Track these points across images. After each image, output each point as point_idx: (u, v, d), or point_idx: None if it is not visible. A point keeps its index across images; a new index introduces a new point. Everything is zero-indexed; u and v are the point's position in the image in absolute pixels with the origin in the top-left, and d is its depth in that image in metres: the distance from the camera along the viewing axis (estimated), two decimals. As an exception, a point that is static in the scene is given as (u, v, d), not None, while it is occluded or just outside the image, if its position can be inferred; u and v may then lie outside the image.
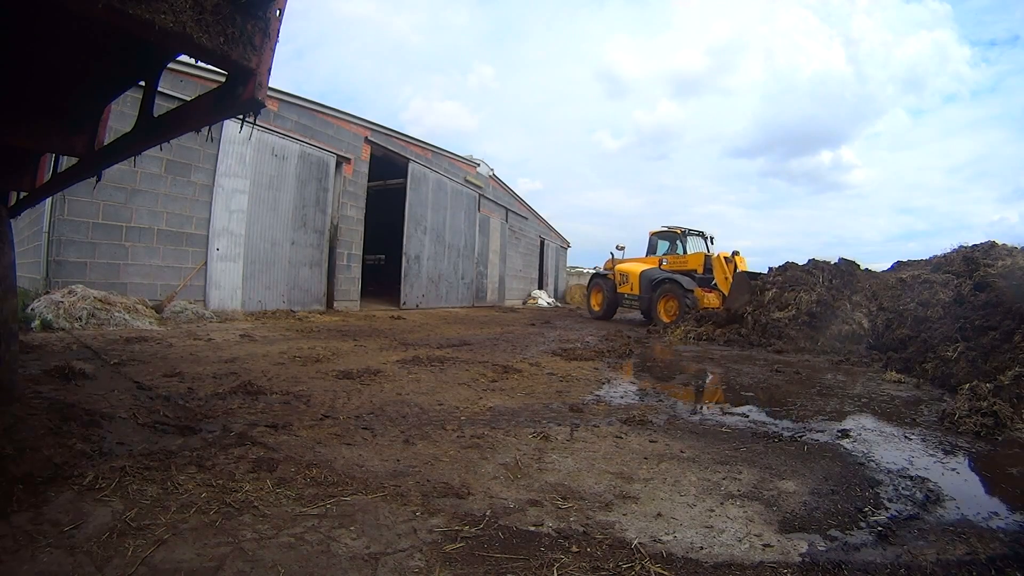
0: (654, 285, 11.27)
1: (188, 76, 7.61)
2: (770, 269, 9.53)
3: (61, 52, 1.84)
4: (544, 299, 21.98)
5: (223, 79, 1.53)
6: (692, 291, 10.55)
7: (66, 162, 2.88)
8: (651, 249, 13.15)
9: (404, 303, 13.33)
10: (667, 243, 12.88)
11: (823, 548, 1.70)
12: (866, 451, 2.79)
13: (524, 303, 21.16)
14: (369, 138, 11.90)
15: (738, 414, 3.52)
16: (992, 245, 7.82)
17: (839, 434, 3.10)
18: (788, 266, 9.31)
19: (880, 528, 1.85)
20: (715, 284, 10.79)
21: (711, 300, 10.38)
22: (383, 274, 18.41)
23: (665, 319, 10.68)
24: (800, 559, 1.62)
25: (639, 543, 1.68)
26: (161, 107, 1.83)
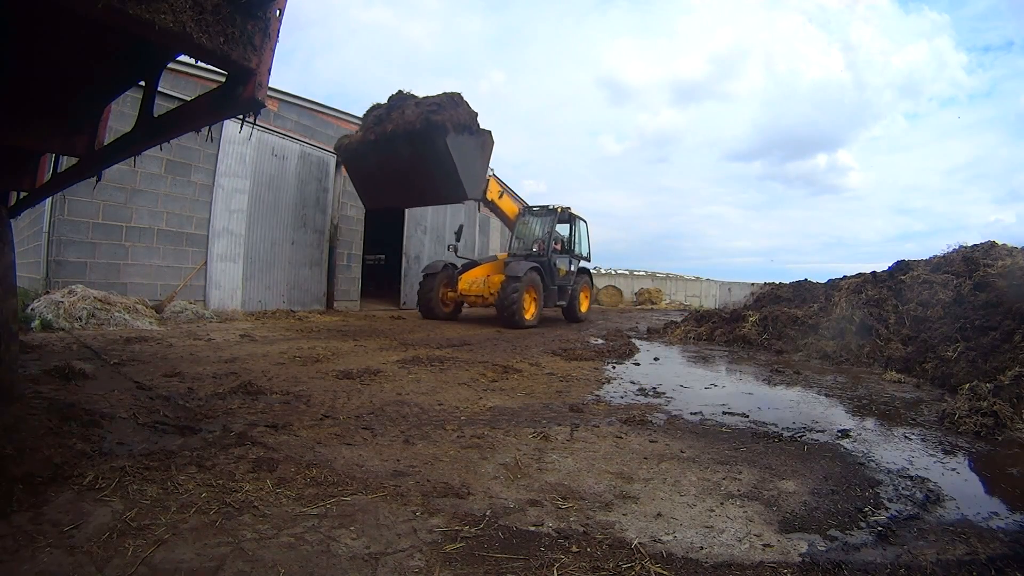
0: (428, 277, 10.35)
1: (188, 76, 7.61)
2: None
3: (61, 52, 1.84)
4: (544, 299, 21.91)
5: (223, 79, 1.53)
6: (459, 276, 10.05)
7: (66, 162, 2.88)
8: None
9: (404, 303, 13.32)
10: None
11: (823, 548, 1.70)
12: (866, 451, 2.79)
13: (524, 303, 21.11)
14: (369, 138, 11.86)
15: (738, 414, 3.52)
16: (992, 245, 7.82)
17: (839, 434, 3.10)
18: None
19: (880, 528, 1.85)
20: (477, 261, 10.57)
21: (473, 283, 9.88)
22: (383, 274, 18.40)
23: (443, 308, 10.21)
24: (800, 559, 1.62)
25: (639, 543, 1.68)
26: (161, 107, 1.83)
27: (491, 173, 10.02)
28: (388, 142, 8.09)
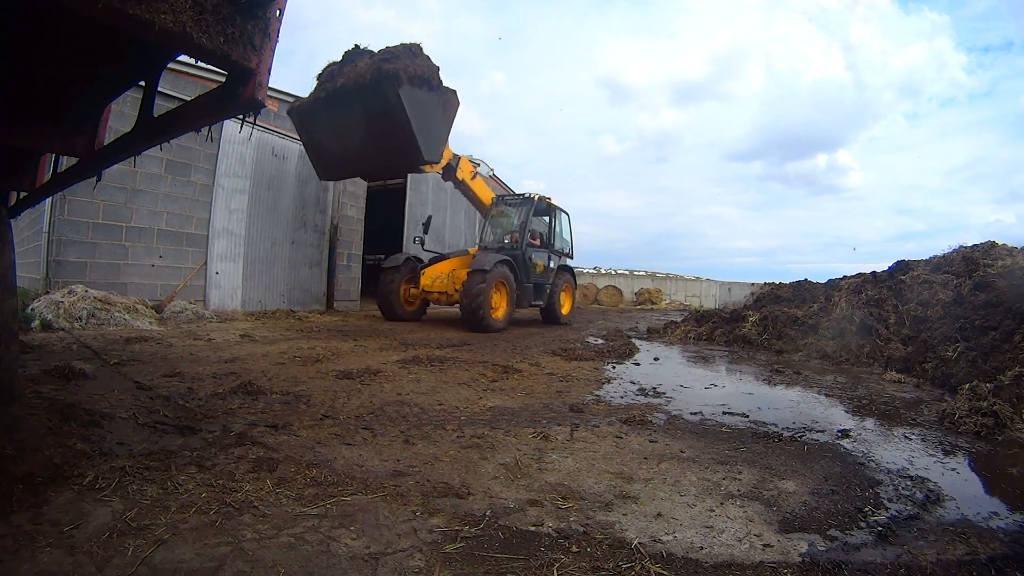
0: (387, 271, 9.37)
1: (188, 76, 7.61)
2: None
3: (61, 52, 1.84)
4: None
5: (223, 79, 1.53)
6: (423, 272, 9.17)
7: (66, 162, 2.88)
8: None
9: (404, 303, 13.30)
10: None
11: (823, 548, 1.70)
12: (866, 451, 2.79)
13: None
14: (369, 138, 11.80)
15: (738, 414, 3.52)
16: (992, 245, 7.83)
17: (839, 434, 3.10)
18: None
19: (880, 528, 1.85)
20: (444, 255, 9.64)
21: (437, 279, 8.96)
22: (383, 274, 18.36)
23: (406, 307, 9.25)
24: (800, 559, 1.62)
25: (639, 543, 1.68)
26: (161, 107, 1.83)
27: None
28: (340, 99, 7.08)
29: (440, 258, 9.50)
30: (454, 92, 7.62)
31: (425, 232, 9.75)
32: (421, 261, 9.44)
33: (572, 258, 11.25)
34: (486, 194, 10.41)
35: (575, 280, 11.74)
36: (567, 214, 10.85)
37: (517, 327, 9.50)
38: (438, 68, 7.24)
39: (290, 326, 7.78)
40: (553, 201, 10.32)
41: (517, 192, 10.52)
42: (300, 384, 3.82)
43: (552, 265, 10.12)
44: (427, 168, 8.51)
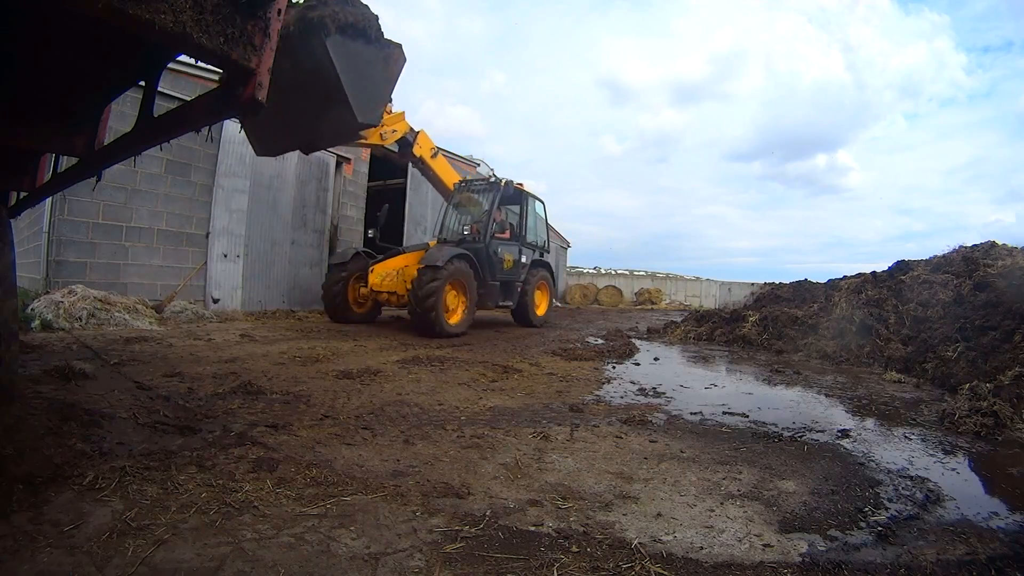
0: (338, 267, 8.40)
1: (188, 76, 7.61)
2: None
3: (61, 52, 1.84)
4: (544, 299, 21.87)
5: (223, 79, 1.53)
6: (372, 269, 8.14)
7: (66, 162, 2.88)
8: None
9: (404, 303, 13.28)
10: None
11: (823, 548, 1.70)
12: (866, 451, 2.79)
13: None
14: (369, 138, 11.77)
15: (738, 414, 3.52)
16: (992, 245, 7.83)
17: (839, 434, 3.10)
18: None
19: (880, 528, 1.85)
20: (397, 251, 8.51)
21: (387, 277, 7.92)
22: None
23: (356, 309, 8.39)
24: (800, 559, 1.62)
25: (639, 543, 1.68)
26: (161, 107, 1.83)
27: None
28: None
29: (395, 253, 8.46)
30: (399, 46, 6.18)
31: (379, 225, 8.59)
32: (374, 256, 8.50)
33: (548, 252, 10.18)
34: (451, 176, 9.18)
35: (553, 277, 10.53)
36: (542, 202, 9.79)
37: (516, 328, 9.48)
38: (377, 16, 5.84)
39: (290, 326, 7.78)
40: (526, 187, 9.26)
41: (479, 178, 9.42)
42: (300, 384, 3.82)
43: (524, 260, 9.00)
44: (372, 137, 7.31)
